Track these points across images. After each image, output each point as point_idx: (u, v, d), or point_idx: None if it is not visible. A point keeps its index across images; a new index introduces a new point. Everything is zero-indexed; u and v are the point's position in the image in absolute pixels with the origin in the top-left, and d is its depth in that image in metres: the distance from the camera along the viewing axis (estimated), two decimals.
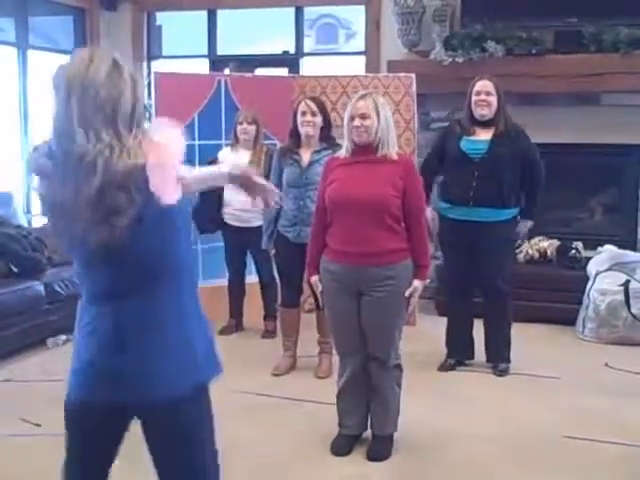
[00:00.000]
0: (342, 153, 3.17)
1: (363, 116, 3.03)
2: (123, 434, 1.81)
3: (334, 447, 3.22)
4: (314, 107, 3.98)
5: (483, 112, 4.02)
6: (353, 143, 3.09)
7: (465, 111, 4.12)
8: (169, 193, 1.59)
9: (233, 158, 4.64)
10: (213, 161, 4.72)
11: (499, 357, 4.21)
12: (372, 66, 6.04)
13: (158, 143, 1.61)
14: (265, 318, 4.94)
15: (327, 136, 4.03)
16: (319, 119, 3.97)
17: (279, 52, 6.61)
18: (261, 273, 4.85)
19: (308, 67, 6.50)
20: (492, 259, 4.05)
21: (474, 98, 4.03)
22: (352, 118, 3.05)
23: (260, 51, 6.75)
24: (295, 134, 4.03)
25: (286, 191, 4.01)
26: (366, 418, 3.26)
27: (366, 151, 3.06)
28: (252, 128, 4.75)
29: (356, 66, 6.24)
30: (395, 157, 3.07)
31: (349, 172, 3.07)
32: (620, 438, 3.25)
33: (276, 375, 4.18)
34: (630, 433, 3.16)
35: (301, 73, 6.30)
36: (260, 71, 6.31)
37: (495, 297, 4.13)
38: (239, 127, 4.77)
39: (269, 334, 4.88)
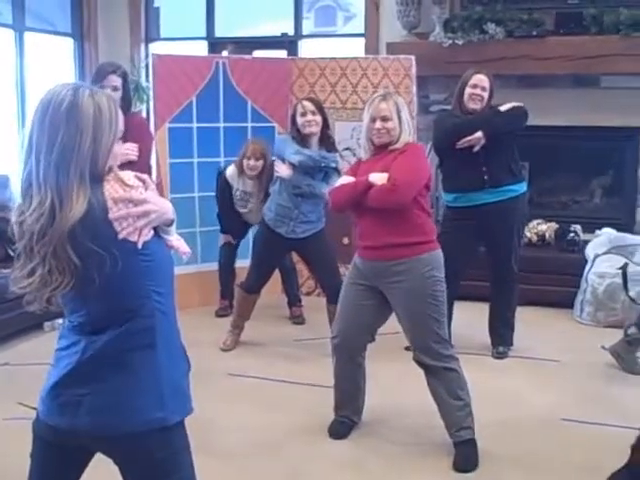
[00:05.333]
0: (361, 154, 3.19)
1: (385, 118, 3.02)
2: (82, 466, 1.79)
3: (331, 431, 3.25)
4: (312, 107, 3.99)
5: (475, 106, 4.02)
6: (372, 143, 3.09)
7: (455, 102, 4.12)
8: (136, 233, 1.57)
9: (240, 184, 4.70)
10: (221, 173, 4.76)
11: (503, 341, 4.23)
12: (371, 48, 6.00)
13: (127, 183, 1.59)
14: (291, 305, 4.91)
15: (326, 136, 4.04)
16: (319, 118, 3.98)
17: (278, 34, 6.56)
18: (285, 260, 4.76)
19: (307, 49, 6.47)
20: (506, 241, 4.09)
21: (469, 90, 4.02)
22: (373, 120, 3.04)
23: (259, 33, 6.71)
24: (297, 135, 4.01)
25: (285, 187, 4.03)
26: (361, 407, 3.29)
27: (383, 149, 3.07)
28: (260, 164, 4.58)
29: (355, 48, 6.20)
30: (400, 146, 3.05)
31: (367, 171, 3.06)
32: (617, 420, 3.27)
33: (224, 350, 4.25)
34: (627, 415, 3.17)
35: (300, 55, 6.27)
36: (258, 53, 6.27)
37: (506, 280, 4.16)
38: (246, 161, 4.59)
39: (298, 319, 4.85)
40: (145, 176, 1.66)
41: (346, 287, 3.21)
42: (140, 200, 1.59)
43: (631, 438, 2.81)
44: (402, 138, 3.05)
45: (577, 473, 2.92)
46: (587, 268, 4.92)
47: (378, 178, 2.97)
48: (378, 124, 3.02)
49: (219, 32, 6.62)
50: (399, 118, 3.04)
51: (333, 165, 4.01)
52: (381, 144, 3.06)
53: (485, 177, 4.01)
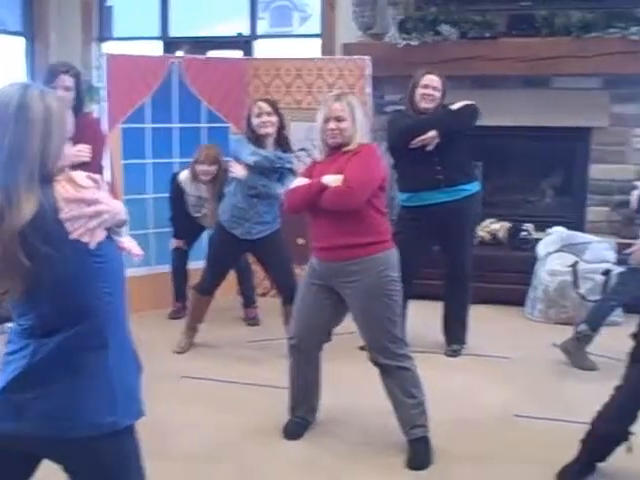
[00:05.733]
0: (316, 155, 3.20)
1: (338, 119, 3.01)
2: (27, 474, 1.76)
3: (286, 431, 3.25)
4: (268, 107, 3.98)
5: (428, 106, 4.06)
6: (326, 144, 3.09)
7: (408, 103, 4.15)
8: (88, 233, 1.56)
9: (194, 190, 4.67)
10: (174, 178, 4.73)
11: (456, 339, 4.29)
12: (327, 49, 6.02)
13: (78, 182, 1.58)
14: (246, 306, 4.89)
15: (282, 136, 4.04)
16: (275, 118, 3.98)
17: (233, 34, 6.54)
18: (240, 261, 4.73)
19: (262, 50, 6.45)
20: (460, 240, 4.16)
21: (420, 91, 4.06)
22: (327, 120, 3.02)
23: (214, 33, 6.68)
24: (253, 136, 4.00)
25: (240, 188, 4.02)
26: (316, 408, 3.31)
27: (337, 150, 3.07)
28: (213, 169, 4.54)
29: (311, 49, 6.21)
30: (354, 147, 3.04)
31: (321, 173, 3.06)
32: (568, 415, 3.33)
33: (178, 353, 4.22)
34: (578, 410, 3.22)
35: (255, 56, 6.26)
36: (213, 53, 6.24)
37: (460, 279, 4.22)
38: (199, 167, 4.55)
39: (253, 321, 4.83)
40: (97, 176, 1.65)
41: (303, 287, 3.22)
42: (92, 200, 1.57)
43: (581, 433, 2.88)
44: (356, 139, 3.05)
45: (529, 468, 2.97)
46: (538, 266, 5.00)
47: (332, 180, 2.97)
48: (332, 124, 3.01)
49: (174, 32, 6.57)
50: (353, 118, 3.03)
51: (289, 166, 4.01)
52: (335, 145, 3.06)
53: (439, 177, 4.06)
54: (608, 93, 5.52)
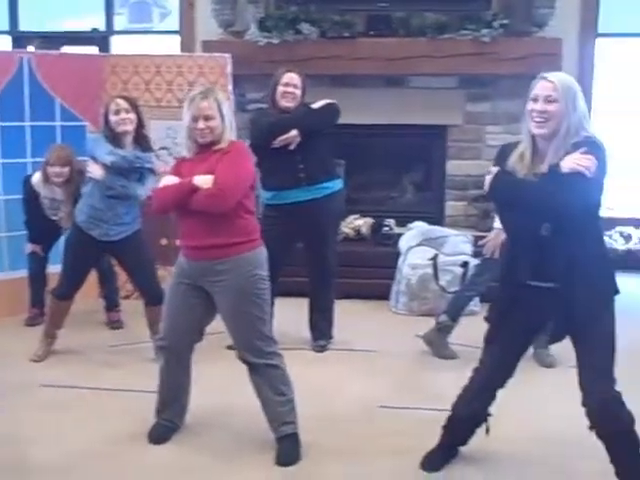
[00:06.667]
0: (184, 153, 3.09)
1: (207, 117, 2.95)
2: None
3: (152, 435, 3.18)
4: (126, 105, 3.87)
5: (289, 104, 4.08)
6: (195, 143, 3.01)
7: (269, 101, 4.17)
8: None
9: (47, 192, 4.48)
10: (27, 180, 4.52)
11: (322, 334, 4.34)
12: (187, 46, 5.93)
13: None
14: (109, 310, 4.73)
15: (141, 135, 3.94)
16: (133, 116, 3.88)
17: (88, 29, 6.32)
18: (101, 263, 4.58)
19: (121, 46, 6.28)
20: (324, 237, 4.21)
21: (281, 89, 4.08)
22: (195, 119, 2.95)
23: (67, 28, 6.42)
24: (110, 135, 3.88)
25: (97, 188, 3.89)
26: (185, 410, 3.25)
27: (207, 148, 3.01)
28: (66, 171, 4.35)
29: (171, 46, 6.11)
30: (224, 145, 3.00)
31: (191, 171, 2.99)
32: (431, 404, 3.42)
33: (36, 361, 4.04)
34: (440, 398, 3.31)
35: (112, 52, 6.08)
36: (67, 49, 6.00)
37: (324, 275, 4.26)
38: (50, 169, 4.35)
39: (116, 324, 4.69)
40: None
41: (171, 287, 3.15)
42: None
43: (444, 420, 2.98)
44: (226, 136, 3.01)
45: (395, 457, 3.03)
46: (401, 260, 5.13)
47: (203, 181, 2.92)
48: (201, 124, 2.95)
49: (24, 26, 6.27)
50: (221, 115, 2.98)
51: (148, 166, 3.92)
52: (205, 143, 3.01)
53: (301, 175, 4.08)
54: (462, 92, 5.75)
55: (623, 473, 2.67)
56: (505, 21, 5.38)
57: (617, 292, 2.64)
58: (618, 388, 2.62)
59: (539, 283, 2.61)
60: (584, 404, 2.62)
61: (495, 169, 2.61)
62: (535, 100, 2.53)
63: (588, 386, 2.61)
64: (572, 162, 2.44)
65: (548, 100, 2.50)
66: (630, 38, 6.12)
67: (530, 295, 2.63)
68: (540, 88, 2.53)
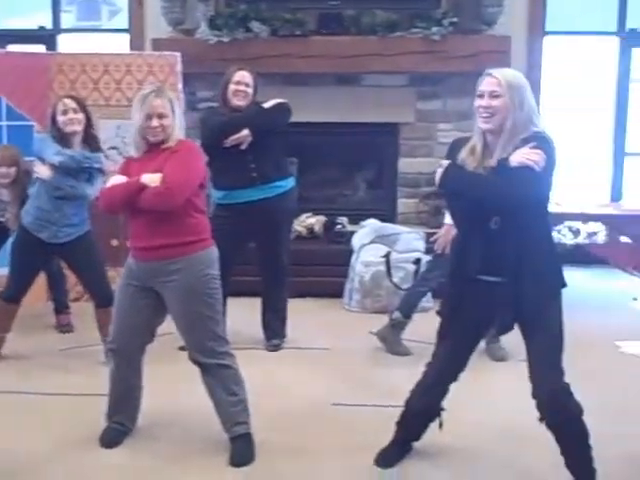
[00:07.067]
0: (132, 152, 3.04)
1: (161, 115, 2.91)
2: None
3: (103, 439, 3.13)
4: (74, 104, 3.82)
5: (240, 103, 4.07)
6: (146, 141, 2.97)
7: (220, 100, 4.15)
8: None
9: None
10: None
11: (276, 333, 4.32)
12: (136, 44, 5.88)
13: None
14: (59, 313, 4.64)
15: (90, 135, 3.89)
16: (82, 116, 3.82)
17: (35, 28, 6.21)
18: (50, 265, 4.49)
19: (68, 44, 6.19)
20: (276, 236, 4.20)
21: (233, 87, 4.06)
22: (149, 117, 2.91)
23: (13, 26, 6.31)
24: (58, 135, 3.81)
25: (45, 189, 3.83)
26: (136, 412, 3.21)
27: (156, 147, 2.97)
28: (12, 171, 4.25)
29: (121, 44, 6.04)
30: (173, 144, 2.97)
31: (139, 171, 2.95)
32: (385, 400, 3.43)
33: None
34: (394, 394, 3.32)
35: (59, 50, 5.98)
36: (13, 48, 5.88)
37: (277, 274, 4.25)
38: None
39: (66, 327, 4.60)
40: None
41: (120, 289, 3.11)
42: None
43: (398, 416, 3.00)
44: (175, 135, 2.98)
45: (350, 454, 3.03)
46: (354, 258, 5.15)
47: (151, 179, 2.88)
48: (155, 122, 2.91)
49: None
50: (173, 114, 2.96)
51: (97, 166, 3.86)
52: (156, 142, 2.97)
53: (253, 174, 4.07)
54: (413, 90, 5.79)
55: (573, 463, 2.72)
56: (455, 19, 5.43)
57: (564, 285, 2.69)
58: (566, 379, 2.67)
59: (488, 277, 2.64)
60: (534, 396, 2.66)
61: (446, 162, 2.64)
62: (481, 96, 2.57)
63: (537, 378, 2.65)
64: (521, 156, 2.47)
65: (493, 95, 2.54)
66: (577, 36, 6.23)
67: (480, 289, 2.66)
68: (485, 84, 2.57)
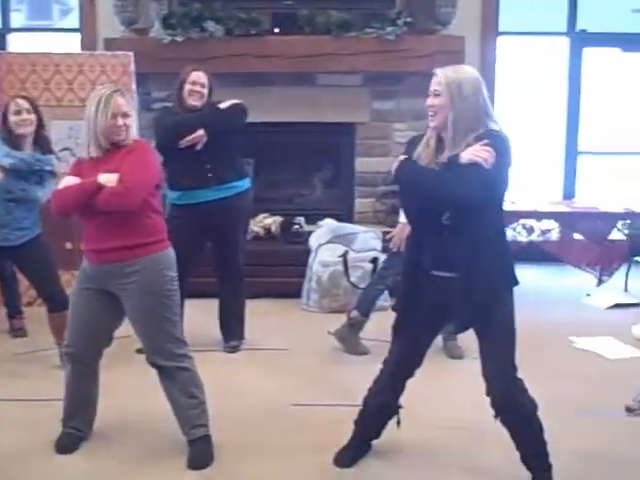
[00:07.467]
0: (88, 152, 2.94)
1: (125, 115, 2.89)
2: None
3: (59, 445, 3.08)
4: (27, 105, 3.77)
5: (196, 103, 4.04)
6: (108, 141, 2.91)
7: (175, 100, 4.12)
8: None
9: None
10: None
11: (234, 335, 4.30)
12: (88, 44, 5.79)
13: None
14: (11, 317, 4.54)
15: (41, 137, 3.83)
16: (34, 117, 3.77)
17: None
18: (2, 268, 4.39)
19: (19, 44, 6.07)
20: (232, 237, 4.18)
21: (188, 87, 4.03)
22: (114, 116, 2.87)
23: None
24: (9, 136, 3.74)
25: None
26: (93, 417, 3.18)
27: (111, 147, 2.92)
28: None
29: (72, 43, 5.95)
30: (129, 143, 2.94)
31: (93, 171, 2.90)
32: (344, 399, 3.44)
33: None
34: (352, 393, 3.33)
35: (9, 50, 5.88)
36: None
37: (234, 275, 4.23)
38: None
39: (19, 332, 4.51)
40: None
41: (75, 293, 3.07)
42: None
43: (356, 414, 3.01)
44: (132, 134, 2.96)
45: (309, 454, 3.04)
46: (311, 258, 5.15)
47: (108, 179, 2.84)
48: (120, 121, 2.88)
49: None
50: (131, 112, 2.95)
51: (48, 168, 3.80)
52: (120, 142, 2.92)
53: (209, 175, 4.05)
54: (369, 90, 5.81)
55: (529, 459, 2.76)
56: (409, 19, 5.46)
57: (516, 283, 2.71)
58: (521, 375, 2.70)
59: (440, 272, 2.66)
60: (488, 393, 2.69)
61: (402, 157, 2.66)
62: (428, 95, 2.62)
63: (491, 375, 2.68)
64: (470, 154, 2.50)
65: (435, 94, 2.60)
66: (529, 36, 6.32)
67: (433, 285, 2.68)
68: (431, 83, 2.61)
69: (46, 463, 2.99)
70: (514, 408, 2.68)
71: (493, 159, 2.47)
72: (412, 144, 2.71)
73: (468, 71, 2.61)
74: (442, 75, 2.57)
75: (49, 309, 3.91)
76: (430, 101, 2.60)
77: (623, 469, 2.97)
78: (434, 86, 2.58)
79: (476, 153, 2.49)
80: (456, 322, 2.75)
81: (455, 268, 2.61)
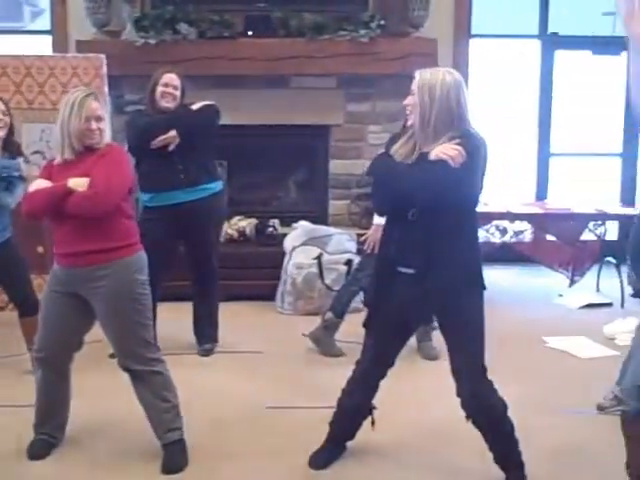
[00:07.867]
0: (61, 155, 2.91)
1: (98, 118, 2.88)
2: None
3: (31, 451, 3.05)
4: (3, 107, 3.71)
5: (168, 105, 4.03)
6: (82, 145, 2.89)
7: (148, 102, 4.11)
8: None
9: None
10: None
11: (208, 338, 4.28)
12: (60, 46, 5.73)
13: None
14: None
15: (10, 141, 3.77)
16: (8, 119, 3.72)
17: None
18: None
19: None
20: (205, 239, 4.17)
21: (161, 89, 4.02)
22: (88, 120, 2.85)
23: None
24: None
25: None
26: (65, 423, 3.15)
27: (84, 150, 2.90)
28: None
29: (44, 46, 5.89)
30: (101, 147, 2.92)
31: (64, 174, 2.87)
32: (319, 401, 3.43)
33: None
34: (327, 395, 3.33)
35: None
36: None
37: (207, 278, 4.22)
38: None
39: None
40: None
41: (46, 297, 3.04)
42: None
43: (331, 416, 3.01)
44: (105, 138, 2.94)
45: (284, 457, 3.04)
46: (286, 260, 5.14)
47: (78, 184, 2.82)
48: (94, 125, 2.87)
49: None
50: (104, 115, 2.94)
51: (16, 174, 3.75)
52: (93, 145, 2.90)
53: (181, 176, 4.03)
54: (343, 92, 5.81)
55: (501, 458, 2.78)
56: (382, 22, 5.47)
57: (483, 288, 2.70)
58: (494, 375, 2.72)
59: (403, 269, 2.67)
60: (458, 395, 2.70)
61: (380, 152, 2.72)
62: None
63: (460, 377, 2.69)
64: (439, 151, 2.52)
65: (412, 93, 2.65)
66: (501, 39, 6.38)
67: (399, 281, 2.68)
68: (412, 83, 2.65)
69: (17, 469, 2.96)
70: (484, 409, 2.69)
71: (462, 159, 2.48)
72: (393, 140, 2.80)
73: (447, 75, 2.61)
74: (418, 76, 2.62)
75: (21, 314, 3.86)
76: (407, 100, 2.69)
77: (595, 467, 2.99)
78: (412, 86, 2.64)
79: (444, 151, 2.50)
80: (416, 318, 2.77)
81: (414, 265, 2.62)
